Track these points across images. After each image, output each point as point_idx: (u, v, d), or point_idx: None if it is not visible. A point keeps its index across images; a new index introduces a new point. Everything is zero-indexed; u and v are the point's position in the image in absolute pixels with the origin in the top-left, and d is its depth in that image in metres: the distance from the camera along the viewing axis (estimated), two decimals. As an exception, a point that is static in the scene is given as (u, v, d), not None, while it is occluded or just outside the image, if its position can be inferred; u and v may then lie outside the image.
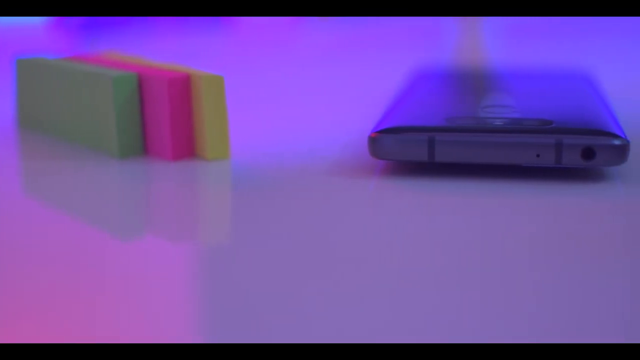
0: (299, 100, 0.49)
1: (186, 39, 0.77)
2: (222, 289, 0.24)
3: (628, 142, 0.32)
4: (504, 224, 0.29)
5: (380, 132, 0.33)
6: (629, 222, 0.29)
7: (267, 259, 0.26)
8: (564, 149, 0.32)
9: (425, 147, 0.33)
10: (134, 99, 0.36)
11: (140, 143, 0.37)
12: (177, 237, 0.28)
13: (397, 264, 0.25)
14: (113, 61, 0.40)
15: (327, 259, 0.26)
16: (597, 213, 0.29)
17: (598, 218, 0.29)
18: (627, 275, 0.24)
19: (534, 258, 0.26)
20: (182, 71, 0.37)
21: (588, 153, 0.32)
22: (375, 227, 0.28)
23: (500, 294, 0.23)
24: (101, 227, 0.29)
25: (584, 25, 0.81)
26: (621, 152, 0.32)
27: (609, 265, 0.25)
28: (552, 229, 0.28)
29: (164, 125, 0.36)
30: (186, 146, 0.36)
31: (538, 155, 0.32)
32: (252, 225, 0.29)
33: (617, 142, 0.32)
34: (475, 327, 0.21)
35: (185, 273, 0.25)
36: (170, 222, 0.29)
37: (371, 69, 0.59)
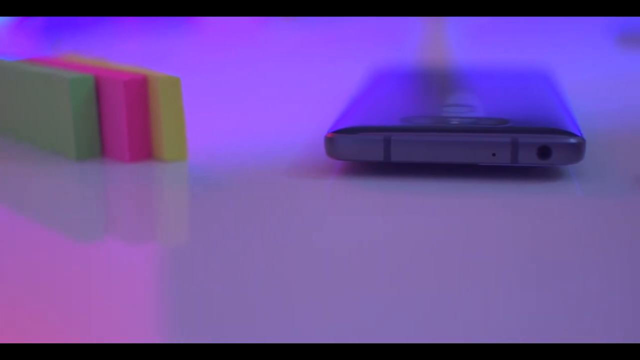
0: (259, 100, 0.49)
1: (149, 39, 0.77)
2: (181, 289, 0.24)
3: (584, 140, 0.32)
4: (461, 223, 0.29)
5: (337, 132, 0.33)
6: (585, 221, 0.29)
7: (226, 259, 0.26)
8: (519, 147, 0.32)
9: (381, 147, 0.33)
10: (91, 100, 0.36)
11: (98, 145, 0.37)
12: (136, 239, 0.28)
13: (354, 263, 0.25)
14: (71, 63, 0.40)
15: (284, 258, 0.26)
16: (553, 211, 0.30)
17: (555, 216, 0.29)
18: (583, 273, 0.25)
19: (491, 257, 0.26)
20: (139, 73, 0.36)
21: (544, 152, 0.32)
22: (331, 227, 0.28)
23: (459, 291, 0.23)
24: (59, 229, 0.29)
25: (544, 24, 0.81)
26: (577, 150, 0.32)
27: (566, 263, 0.25)
28: (508, 228, 0.28)
29: (120, 127, 0.36)
30: (143, 147, 0.36)
31: (494, 155, 0.32)
32: (210, 226, 0.29)
33: (573, 140, 0.32)
34: (435, 326, 0.22)
35: (144, 274, 0.25)
36: (128, 223, 0.29)
37: (333, 68, 0.59)
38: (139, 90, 0.35)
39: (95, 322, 0.22)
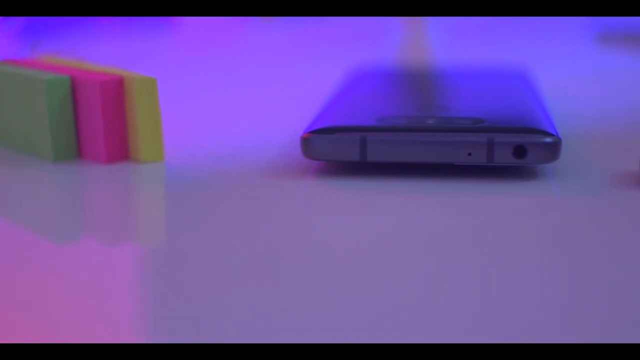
0: (237, 100, 0.49)
1: (129, 39, 0.77)
2: (158, 290, 0.24)
3: (560, 139, 0.33)
4: (437, 222, 0.29)
5: (312, 132, 0.33)
6: (561, 220, 0.29)
7: (203, 260, 0.26)
8: (495, 147, 0.32)
9: (357, 147, 0.33)
10: (67, 102, 0.36)
11: (74, 146, 0.37)
12: (113, 240, 0.28)
13: (330, 263, 0.25)
14: (48, 64, 0.40)
15: (261, 259, 0.26)
16: (529, 211, 0.30)
17: (531, 216, 0.29)
18: (559, 272, 0.25)
19: (467, 256, 0.26)
20: (115, 73, 0.36)
21: (520, 151, 0.32)
22: (307, 227, 0.28)
23: (435, 291, 0.23)
24: (36, 231, 0.28)
25: (523, 24, 0.82)
26: (553, 149, 0.32)
27: (542, 262, 0.25)
28: (484, 227, 0.28)
29: (97, 128, 0.35)
30: (120, 149, 0.36)
31: (470, 154, 0.32)
32: (187, 227, 0.29)
33: (548, 139, 0.32)
34: (408, 326, 0.22)
35: (121, 275, 0.25)
36: (105, 225, 0.29)
37: (312, 69, 0.59)
38: (115, 91, 0.35)
39: (72, 323, 0.22)
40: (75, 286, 0.24)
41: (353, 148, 0.33)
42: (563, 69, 0.57)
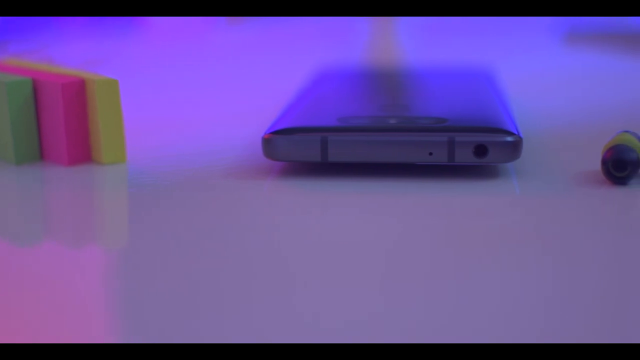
0: (200, 101, 0.48)
1: (94, 40, 0.77)
2: (121, 291, 0.24)
3: (521, 138, 0.33)
4: (399, 222, 0.29)
5: (273, 133, 0.33)
6: (522, 218, 0.29)
7: (165, 260, 0.26)
8: (456, 146, 0.32)
9: (318, 147, 0.33)
10: (29, 104, 0.36)
11: (37, 149, 0.36)
12: (76, 242, 0.27)
13: (291, 263, 0.25)
14: (11, 66, 0.40)
15: (222, 259, 0.26)
16: (491, 210, 0.30)
17: (492, 214, 0.29)
18: (520, 271, 0.25)
19: (428, 255, 0.26)
20: (77, 75, 0.36)
21: (480, 150, 0.32)
22: (269, 228, 0.28)
23: (396, 291, 0.24)
24: (-12, 234, 0.28)
25: (491, 24, 0.82)
26: (513, 148, 0.32)
27: (502, 261, 0.25)
28: (446, 226, 0.28)
29: (59, 130, 0.35)
30: (82, 151, 0.36)
31: (431, 154, 0.32)
32: (149, 228, 0.29)
33: (509, 138, 0.32)
34: (371, 325, 0.22)
35: (84, 277, 0.25)
36: (67, 226, 0.29)
37: (277, 69, 0.59)
38: (77, 93, 0.35)
39: (35, 323, 0.22)
40: (39, 287, 0.24)
41: (314, 148, 0.33)
42: (529, 68, 0.57)
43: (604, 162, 0.32)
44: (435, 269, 0.25)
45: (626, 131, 0.33)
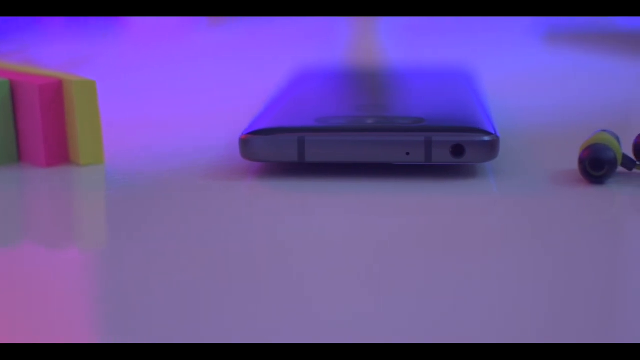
0: (178, 101, 0.48)
1: (74, 40, 0.76)
2: (99, 292, 0.24)
3: (498, 138, 0.33)
4: (377, 222, 0.29)
5: (251, 133, 0.33)
6: (500, 218, 0.29)
7: (144, 262, 0.26)
8: (433, 146, 0.32)
9: (295, 147, 0.33)
10: (6, 105, 0.36)
11: (14, 149, 0.36)
12: (53, 243, 0.27)
13: (270, 264, 0.25)
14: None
15: (202, 260, 0.26)
16: (468, 209, 0.30)
17: (470, 214, 0.29)
18: (497, 271, 0.25)
19: (407, 255, 0.26)
20: (54, 76, 0.36)
21: (457, 150, 0.32)
22: (247, 229, 0.28)
23: (375, 291, 0.24)
24: (-37, 236, 0.28)
25: (471, 24, 0.82)
26: (491, 148, 0.32)
27: (480, 261, 0.26)
28: (423, 227, 0.28)
29: (36, 132, 0.35)
30: (60, 152, 0.36)
31: (408, 154, 0.32)
32: (127, 229, 0.29)
33: (486, 138, 0.32)
34: (355, 325, 0.22)
35: (62, 277, 0.25)
36: (45, 228, 0.29)
37: (255, 69, 0.59)
38: (55, 94, 0.35)
39: (13, 324, 0.22)
40: (16, 289, 0.24)
41: (291, 149, 0.33)
42: (508, 68, 0.57)
43: (581, 161, 0.32)
44: (415, 269, 0.25)
45: (604, 130, 0.33)
